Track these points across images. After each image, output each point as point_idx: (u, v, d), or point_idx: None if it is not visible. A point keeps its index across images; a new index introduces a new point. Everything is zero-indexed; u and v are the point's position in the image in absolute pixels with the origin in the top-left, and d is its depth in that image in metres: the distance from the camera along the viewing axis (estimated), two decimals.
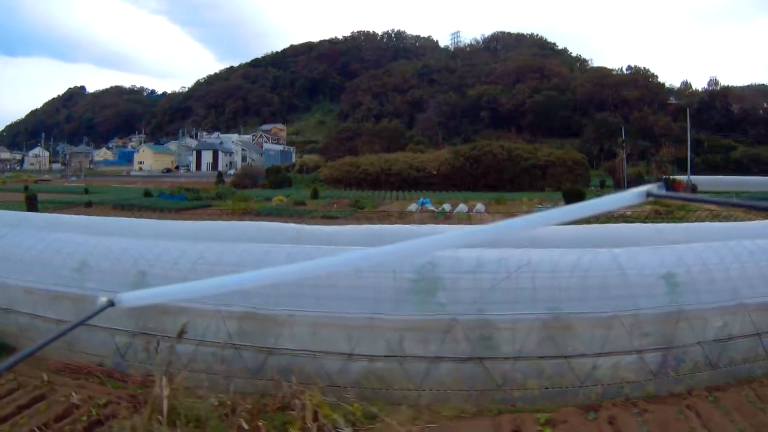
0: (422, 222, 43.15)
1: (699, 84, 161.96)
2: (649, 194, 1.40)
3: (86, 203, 52.70)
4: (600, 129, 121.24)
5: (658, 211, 50.63)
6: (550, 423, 6.07)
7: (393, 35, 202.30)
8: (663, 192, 1.42)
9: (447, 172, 76.96)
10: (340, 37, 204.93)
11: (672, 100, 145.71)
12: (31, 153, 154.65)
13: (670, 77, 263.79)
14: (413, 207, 53.07)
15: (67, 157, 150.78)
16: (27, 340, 8.73)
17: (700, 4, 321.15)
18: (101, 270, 8.76)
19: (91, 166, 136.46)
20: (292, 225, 13.53)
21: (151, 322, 8.04)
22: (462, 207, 52.35)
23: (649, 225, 13.81)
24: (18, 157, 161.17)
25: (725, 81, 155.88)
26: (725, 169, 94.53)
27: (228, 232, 12.23)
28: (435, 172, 78.10)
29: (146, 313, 8.06)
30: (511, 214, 49.52)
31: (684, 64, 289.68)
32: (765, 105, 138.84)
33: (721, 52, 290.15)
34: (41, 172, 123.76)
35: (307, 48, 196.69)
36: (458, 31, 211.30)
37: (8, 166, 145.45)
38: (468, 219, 46.01)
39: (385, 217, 45.77)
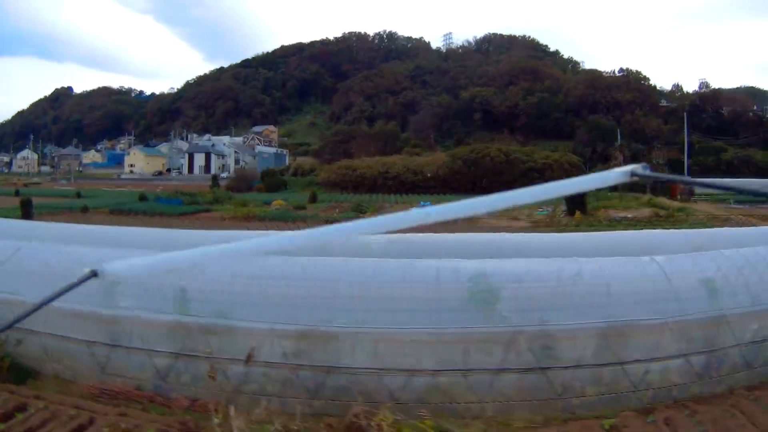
0: (432, 227, 42.60)
1: (690, 87, 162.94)
2: (633, 174, 1.41)
3: (82, 208, 51.72)
4: (593, 131, 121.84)
5: (659, 214, 50.59)
6: (614, 428, 6.28)
7: (385, 36, 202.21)
8: (647, 172, 1.41)
9: (445, 175, 76.77)
10: (331, 38, 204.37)
11: (663, 102, 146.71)
12: (20, 155, 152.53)
13: (660, 80, 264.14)
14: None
15: (56, 159, 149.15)
16: (54, 362, 7.97)
17: (688, 7, 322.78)
18: (134, 286, 7.86)
19: (81, 169, 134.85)
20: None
21: (196, 342, 7.40)
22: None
23: (677, 231, 13.39)
24: (5, 159, 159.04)
25: (715, 84, 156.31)
26: (717, 171, 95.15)
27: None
28: (429, 175, 77.84)
29: (190, 333, 7.41)
30: (515, 218, 49.21)
31: (673, 67, 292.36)
32: (755, 107, 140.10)
33: (709, 55, 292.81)
34: (30, 175, 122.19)
35: (298, 49, 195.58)
36: (450, 33, 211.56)
37: None
38: (471, 223, 45.41)
39: None
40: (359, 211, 49.61)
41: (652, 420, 6.41)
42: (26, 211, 43.78)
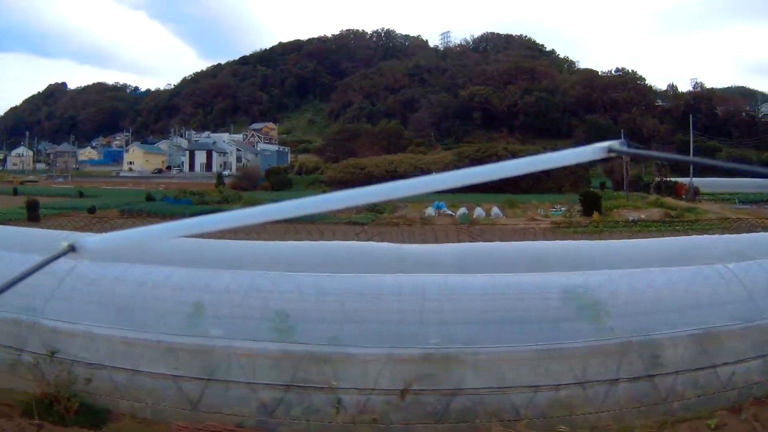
0: (445, 228, 42.25)
1: (682, 86, 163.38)
2: (611, 150, 1.42)
3: (89, 209, 50.80)
4: (590, 130, 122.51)
5: (669, 215, 50.69)
6: (717, 427, 6.68)
7: (383, 34, 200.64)
8: (624, 148, 1.43)
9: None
10: (329, 35, 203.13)
11: (659, 102, 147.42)
12: (14, 152, 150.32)
13: (654, 80, 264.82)
14: (430, 211, 52.00)
15: (51, 156, 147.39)
16: (129, 401, 7.36)
17: (677, 8, 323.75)
18: (225, 313, 7.52)
19: (77, 166, 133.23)
20: (388, 246, 12.20)
21: (308, 372, 7.07)
22: (479, 211, 51.45)
23: (714, 237, 13.59)
24: (0, 156, 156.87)
25: (706, 84, 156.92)
26: (712, 170, 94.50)
27: (316, 255, 10.57)
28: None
29: (300, 362, 7.06)
30: (532, 218, 48.95)
31: (665, 67, 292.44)
32: (747, 107, 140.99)
33: (700, 56, 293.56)
34: (25, 173, 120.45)
35: (296, 46, 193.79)
36: (448, 32, 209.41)
37: None
38: (492, 225, 45.05)
39: (408, 223, 44.76)
40: (376, 211, 49.01)
41: (744, 417, 6.92)
42: (33, 214, 42.92)
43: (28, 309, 7.70)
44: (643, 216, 49.50)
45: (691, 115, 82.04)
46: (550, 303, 7.59)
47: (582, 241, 13.27)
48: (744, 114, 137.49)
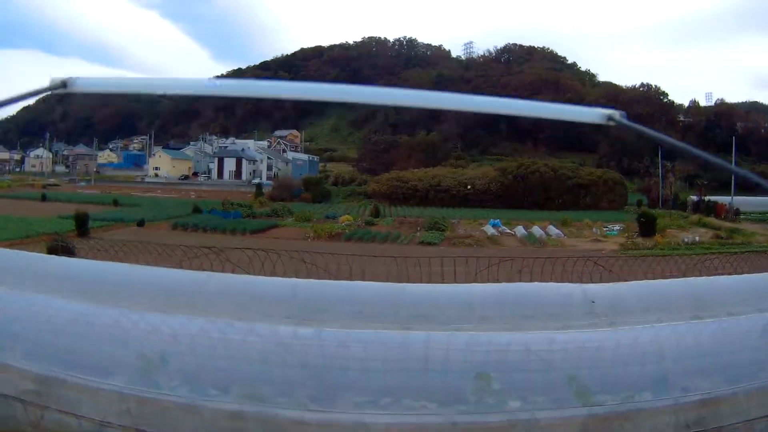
0: (514, 247, 40.84)
1: (700, 101, 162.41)
2: (610, 118, 1.51)
3: (138, 222, 49.30)
4: (615, 144, 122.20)
5: (720, 236, 49.82)
6: None
7: (405, 43, 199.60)
8: (624, 121, 1.50)
9: (495, 189, 75.97)
10: (351, 42, 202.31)
11: (681, 117, 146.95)
12: (32, 154, 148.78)
13: (673, 95, 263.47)
14: (489, 229, 50.75)
15: (70, 159, 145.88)
16: None
17: (685, 22, 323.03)
18: None
19: (97, 170, 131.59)
20: (571, 286, 10.35)
21: None
22: (536, 230, 50.47)
23: None
24: (16, 157, 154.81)
25: (718, 98, 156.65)
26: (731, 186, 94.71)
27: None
28: (472, 188, 76.93)
29: None
30: (592, 237, 47.54)
31: (679, 82, 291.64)
32: (766, 124, 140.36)
33: (713, 70, 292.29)
34: (45, 175, 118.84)
35: (318, 52, 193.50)
36: (471, 42, 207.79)
37: (7, 167, 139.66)
38: (561, 245, 43.70)
39: (478, 242, 43.33)
40: (438, 229, 47.66)
41: None
42: (82, 228, 41.34)
43: None
44: (697, 238, 49.18)
45: (734, 139, 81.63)
46: None
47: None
48: (763, 131, 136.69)
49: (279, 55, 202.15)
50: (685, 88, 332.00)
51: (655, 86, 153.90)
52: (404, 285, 7.20)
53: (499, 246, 42.41)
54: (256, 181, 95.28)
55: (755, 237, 50.10)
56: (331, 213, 57.61)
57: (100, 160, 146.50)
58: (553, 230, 51.27)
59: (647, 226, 50.32)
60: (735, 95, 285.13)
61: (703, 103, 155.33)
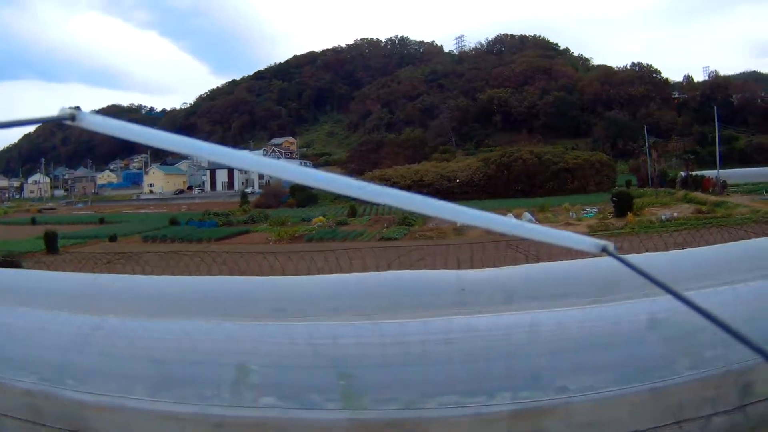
0: (474, 237, 40.44)
1: (696, 76, 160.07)
2: (605, 250, 1.36)
3: (110, 237, 49.66)
4: (609, 127, 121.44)
5: (701, 211, 48.91)
6: None
7: (397, 42, 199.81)
8: (616, 254, 1.38)
9: (478, 180, 75.47)
10: (343, 45, 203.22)
11: (675, 94, 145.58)
12: (30, 180, 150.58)
13: (669, 72, 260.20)
14: (459, 221, 50.39)
15: (69, 182, 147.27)
16: None
17: None
18: None
19: (96, 191, 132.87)
20: (448, 273, 10.20)
21: None
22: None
23: None
24: (16, 184, 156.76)
25: (720, 71, 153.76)
26: (730, 160, 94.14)
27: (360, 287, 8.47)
28: (459, 181, 76.50)
29: None
30: (565, 221, 47.02)
31: (678, 58, 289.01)
32: (762, 93, 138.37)
33: (710, 43, 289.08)
34: (43, 200, 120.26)
35: (311, 58, 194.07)
36: (462, 35, 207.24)
37: (7, 195, 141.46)
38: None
39: (442, 234, 43.10)
40: (407, 224, 47.46)
41: None
42: (51, 246, 41.84)
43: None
44: (675, 214, 48.00)
45: (715, 111, 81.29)
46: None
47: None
48: (759, 101, 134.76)
49: (273, 63, 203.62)
50: (684, 65, 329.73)
51: (647, 65, 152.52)
52: (251, 278, 7.42)
53: (460, 237, 42.07)
54: (249, 190, 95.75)
55: (738, 209, 48.92)
56: (308, 216, 57.65)
57: (101, 181, 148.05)
58: (527, 217, 50.66)
59: (622, 206, 49.64)
60: (734, 67, 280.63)
61: (700, 78, 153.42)
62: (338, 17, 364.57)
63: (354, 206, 60.45)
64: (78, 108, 1.34)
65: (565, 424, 5.37)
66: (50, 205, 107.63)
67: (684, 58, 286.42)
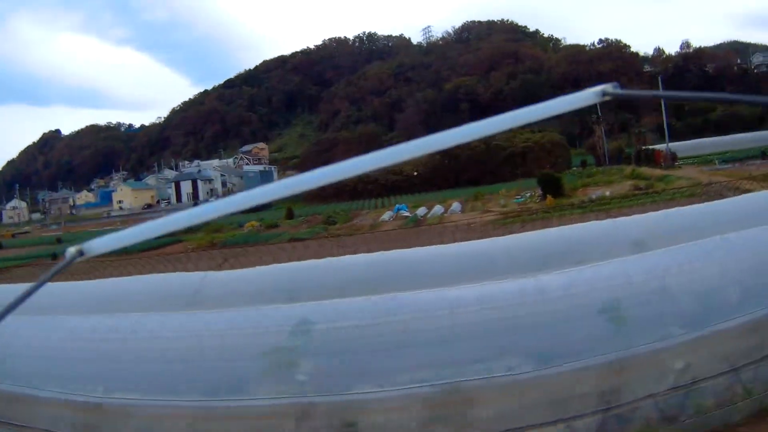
0: (388, 231, 41.05)
1: (672, 49, 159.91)
2: (605, 93, 1.42)
3: (51, 255, 50.37)
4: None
5: (638, 187, 48.40)
6: None
7: (365, 38, 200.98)
8: (619, 91, 1.43)
9: (426, 172, 75.47)
10: (312, 46, 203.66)
11: (647, 68, 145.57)
12: (8, 206, 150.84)
13: (643, 46, 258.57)
14: (387, 215, 51.11)
15: (47, 204, 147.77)
16: None
17: None
18: None
19: (74, 211, 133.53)
20: (194, 275, 10.97)
21: None
22: (438, 209, 50.16)
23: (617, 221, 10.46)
24: None
25: (698, 43, 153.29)
26: (706, 131, 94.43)
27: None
28: (413, 174, 76.58)
29: None
30: (487, 210, 47.40)
31: (654, 32, 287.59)
32: (738, 61, 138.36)
33: (689, 16, 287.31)
34: (21, 225, 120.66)
35: (280, 62, 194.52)
36: (429, 26, 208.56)
37: None
38: (439, 223, 43.55)
39: (356, 231, 43.78)
40: (329, 223, 48.25)
41: None
42: None
43: None
44: (607, 192, 47.34)
45: (660, 79, 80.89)
46: None
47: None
48: (736, 68, 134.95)
49: (242, 71, 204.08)
50: (665, 40, 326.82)
51: (616, 40, 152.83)
52: None
53: (375, 230, 42.87)
54: (211, 200, 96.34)
55: (679, 182, 48.04)
56: (243, 221, 58.17)
57: (79, 201, 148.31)
58: (454, 207, 50.79)
59: (549, 188, 49.27)
60: (715, 38, 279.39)
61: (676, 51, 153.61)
62: (307, 19, 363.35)
63: (292, 208, 60.96)
64: (81, 248, 1.41)
65: None
66: (26, 228, 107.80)
67: (667, 33, 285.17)
